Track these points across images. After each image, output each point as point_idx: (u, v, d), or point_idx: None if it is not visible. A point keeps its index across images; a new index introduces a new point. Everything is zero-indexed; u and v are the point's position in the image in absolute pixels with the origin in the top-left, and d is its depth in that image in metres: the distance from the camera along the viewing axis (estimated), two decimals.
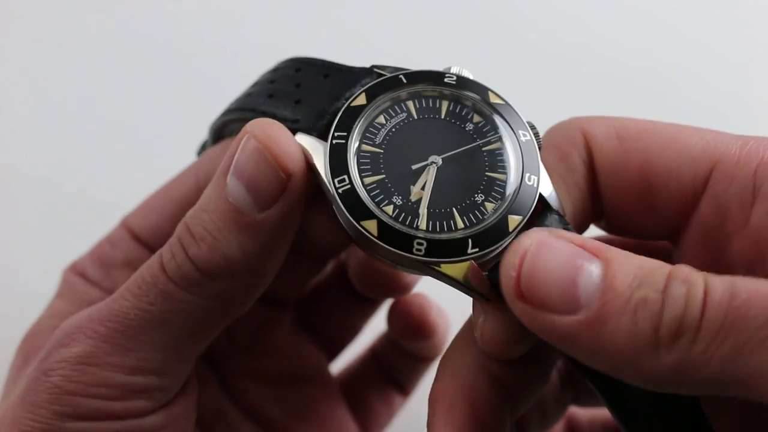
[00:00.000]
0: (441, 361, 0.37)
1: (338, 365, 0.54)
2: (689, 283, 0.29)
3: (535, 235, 0.32)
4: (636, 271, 0.30)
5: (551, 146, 0.39)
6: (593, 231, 0.42)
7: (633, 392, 0.34)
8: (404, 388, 0.53)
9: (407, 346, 0.51)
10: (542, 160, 0.38)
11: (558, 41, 0.78)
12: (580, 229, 0.40)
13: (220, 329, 0.38)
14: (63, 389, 0.35)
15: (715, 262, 0.37)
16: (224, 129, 0.45)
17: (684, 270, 0.29)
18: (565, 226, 0.36)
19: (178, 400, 0.38)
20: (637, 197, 0.38)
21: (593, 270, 0.30)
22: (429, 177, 0.36)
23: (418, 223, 0.35)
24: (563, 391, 0.46)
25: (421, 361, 0.52)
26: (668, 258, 0.41)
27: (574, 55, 0.77)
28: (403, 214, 0.35)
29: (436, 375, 0.37)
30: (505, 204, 0.35)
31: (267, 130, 0.35)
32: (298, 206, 0.36)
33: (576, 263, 0.30)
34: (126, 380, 0.35)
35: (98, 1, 0.75)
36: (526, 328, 0.34)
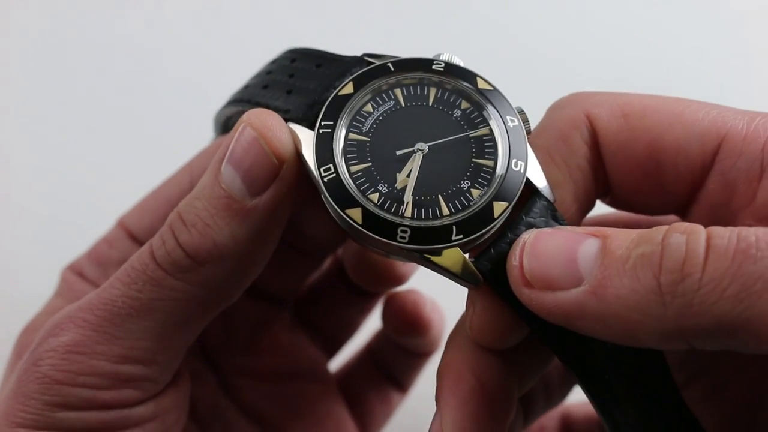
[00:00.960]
0: (449, 336, 0.38)
1: (335, 363, 0.53)
2: (689, 232, 0.29)
3: (534, 231, 0.33)
4: (634, 236, 0.30)
5: (552, 127, 0.39)
6: (600, 207, 0.42)
7: (609, 375, 0.35)
8: (402, 384, 0.53)
9: (403, 343, 0.50)
10: (542, 141, 0.38)
11: (553, 40, 0.78)
12: (584, 208, 0.40)
13: (207, 320, 0.38)
14: (52, 378, 0.36)
15: None
16: (229, 122, 0.45)
17: (683, 224, 0.30)
18: (554, 213, 0.36)
19: (169, 393, 0.39)
20: (645, 174, 0.38)
21: (591, 244, 0.31)
22: (414, 164, 0.36)
23: (403, 211, 0.35)
24: (568, 370, 0.46)
25: (418, 357, 0.52)
26: None
27: (570, 56, 0.77)
28: (389, 202, 0.35)
29: (444, 349, 0.37)
30: (491, 190, 0.35)
31: (262, 118, 0.36)
32: (289, 193, 0.37)
33: (573, 242, 0.31)
34: (114, 369, 0.36)
35: (99, 1, 0.76)
36: (514, 321, 0.35)
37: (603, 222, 0.44)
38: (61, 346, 0.36)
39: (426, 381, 0.52)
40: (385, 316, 0.50)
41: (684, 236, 0.29)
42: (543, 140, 0.38)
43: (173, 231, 0.36)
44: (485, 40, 0.75)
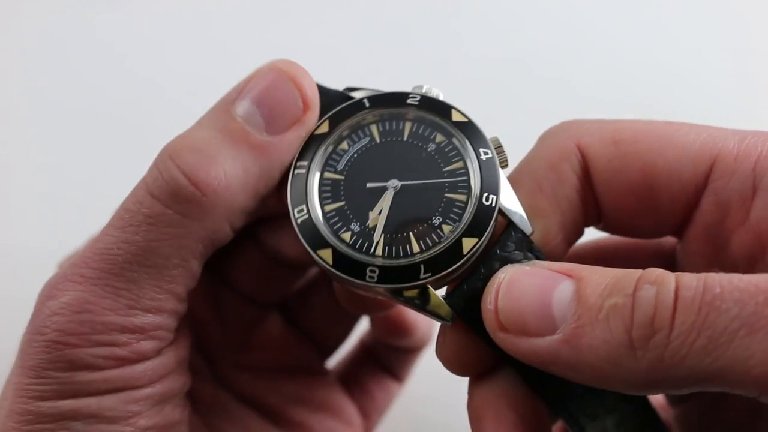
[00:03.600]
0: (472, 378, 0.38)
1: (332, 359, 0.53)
2: (659, 283, 0.29)
3: (509, 268, 0.33)
4: (607, 281, 0.30)
5: (542, 156, 0.38)
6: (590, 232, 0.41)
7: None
8: (398, 376, 0.52)
9: (393, 344, 0.50)
10: (532, 170, 0.38)
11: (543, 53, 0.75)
12: (572, 237, 0.39)
13: (204, 259, 0.37)
14: (63, 343, 0.33)
15: (718, 257, 0.37)
16: None
17: (655, 272, 0.30)
18: (530, 245, 0.35)
19: (181, 340, 0.38)
20: (638, 200, 0.37)
21: (565, 289, 0.31)
22: (385, 202, 0.36)
23: (374, 250, 0.35)
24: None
25: (410, 352, 0.51)
26: (673, 255, 0.40)
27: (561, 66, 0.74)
28: (360, 241, 0.35)
29: (471, 389, 0.37)
30: (461, 226, 0.35)
31: (293, 64, 0.36)
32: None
33: (548, 286, 0.31)
34: (125, 321, 0.34)
35: (100, 4, 0.79)
36: (482, 353, 0.35)
37: (598, 247, 0.44)
38: (65, 308, 0.33)
39: (421, 373, 0.54)
40: (372, 322, 0.50)
41: (654, 288, 0.29)
42: (532, 169, 0.38)
43: (173, 158, 0.34)
44: (475, 63, 0.73)
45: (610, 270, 0.31)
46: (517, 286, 0.32)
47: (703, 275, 0.29)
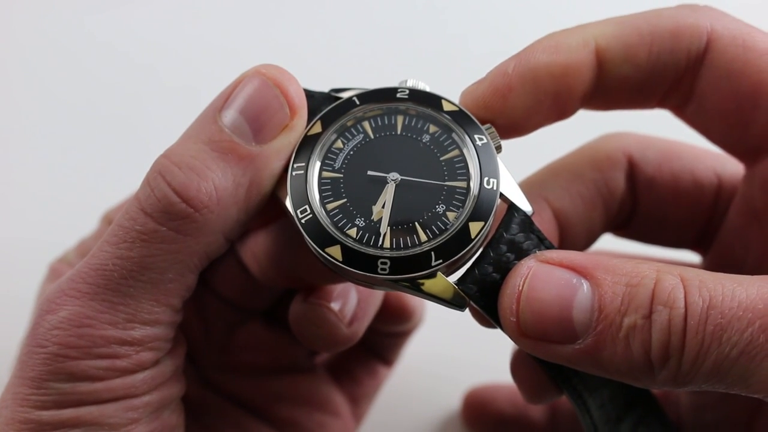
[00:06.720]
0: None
1: None
2: (671, 305, 0.31)
3: (523, 270, 0.34)
4: (623, 291, 0.32)
5: (587, 157, 0.42)
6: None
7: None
8: (387, 359, 0.52)
9: (388, 330, 0.50)
10: (575, 167, 0.42)
11: None
12: (594, 236, 0.43)
13: (200, 269, 0.37)
14: (64, 356, 0.34)
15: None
16: None
17: (666, 289, 0.31)
18: (531, 226, 0.36)
19: (178, 348, 0.38)
20: (681, 206, 0.43)
21: (584, 300, 0.32)
22: (388, 195, 0.36)
23: (382, 242, 0.35)
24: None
25: (401, 336, 0.51)
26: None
27: None
28: (367, 235, 0.35)
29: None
30: (466, 211, 0.35)
31: (277, 70, 0.36)
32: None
33: (568, 295, 0.32)
34: (123, 334, 0.34)
35: (100, 3, 0.78)
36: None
37: None
38: (64, 322, 0.34)
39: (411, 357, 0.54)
40: None
41: (667, 311, 0.31)
42: (576, 166, 0.42)
43: (164, 176, 0.34)
44: (467, 58, 0.75)
45: (619, 267, 0.32)
46: (537, 296, 0.33)
47: (708, 295, 0.31)
